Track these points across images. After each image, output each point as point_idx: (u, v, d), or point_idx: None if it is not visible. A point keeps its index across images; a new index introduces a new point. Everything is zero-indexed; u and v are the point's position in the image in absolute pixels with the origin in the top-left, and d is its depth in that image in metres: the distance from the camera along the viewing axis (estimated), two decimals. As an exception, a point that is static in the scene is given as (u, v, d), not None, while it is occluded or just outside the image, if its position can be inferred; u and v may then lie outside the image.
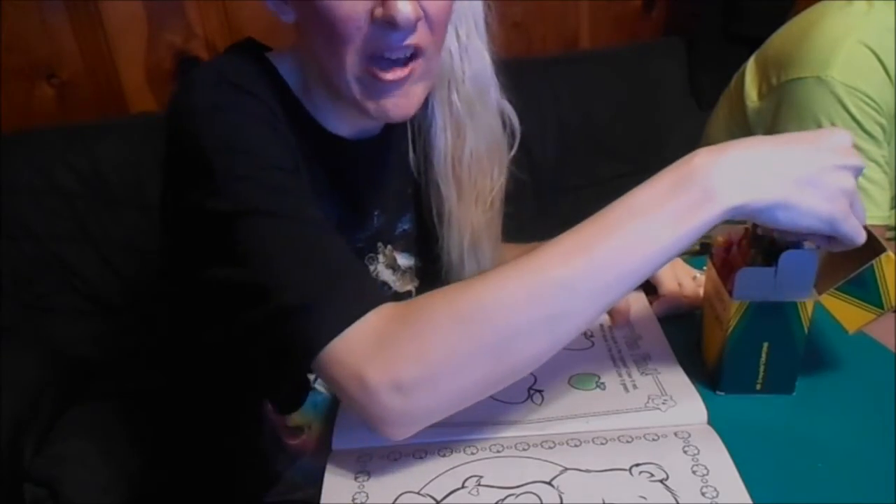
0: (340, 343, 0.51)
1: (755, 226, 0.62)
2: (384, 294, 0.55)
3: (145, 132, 1.29)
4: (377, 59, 0.62)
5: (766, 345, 0.60)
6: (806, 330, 0.58)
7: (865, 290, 0.57)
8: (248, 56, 0.68)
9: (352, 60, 0.62)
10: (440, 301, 0.52)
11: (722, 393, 0.62)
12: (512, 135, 0.79)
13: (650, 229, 0.50)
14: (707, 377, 0.63)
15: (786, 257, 0.57)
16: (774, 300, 0.58)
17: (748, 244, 0.63)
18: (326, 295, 0.53)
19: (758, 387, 0.61)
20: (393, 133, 0.78)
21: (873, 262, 0.55)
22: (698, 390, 0.61)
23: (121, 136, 1.29)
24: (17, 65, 1.32)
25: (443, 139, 0.76)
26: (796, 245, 0.57)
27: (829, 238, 0.53)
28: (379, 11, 0.59)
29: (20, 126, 1.31)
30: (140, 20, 1.37)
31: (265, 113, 0.63)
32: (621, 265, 0.50)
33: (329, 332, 0.52)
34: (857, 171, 0.52)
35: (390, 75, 0.62)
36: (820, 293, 0.58)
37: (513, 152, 0.81)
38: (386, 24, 0.59)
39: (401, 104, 0.65)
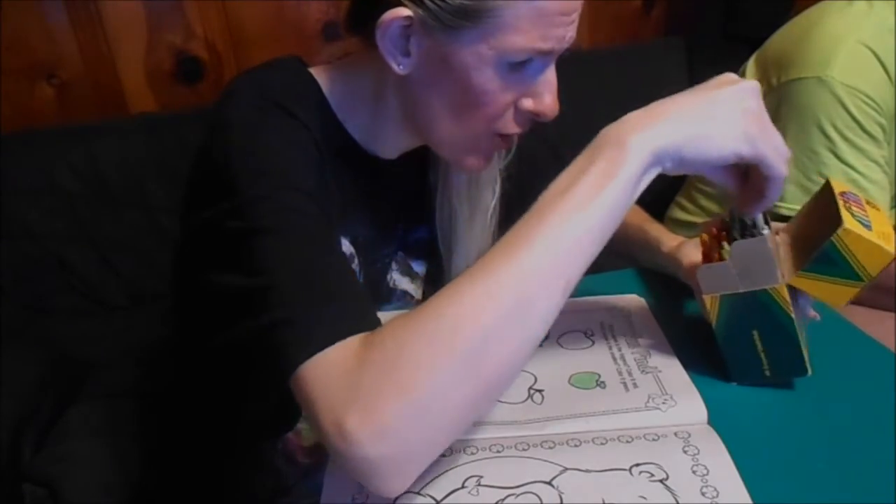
0: (315, 364, 0.49)
1: (730, 215, 0.62)
2: (375, 321, 0.53)
3: (145, 132, 1.28)
4: (505, 134, 0.67)
5: (755, 333, 0.60)
6: (790, 314, 0.58)
7: (836, 267, 0.56)
8: (293, 72, 0.68)
9: (480, 130, 0.65)
10: (403, 325, 0.49)
11: (734, 383, 0.62)
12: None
13: (577, 200, 0.51)
14: (719, 369, 0.63)
15: (736, 248, 0.57)
16: (744, 290, 0.58)
17: (717, 235, 0.63)
18: (314, 313, 0.51)
19: (767, 373, 0.61)
20: (425, 152, 0.77)
21: (832, 237, 0.55)
22: (711, 382, 0.61)
23: (121, 136, 1.29)
24: (17, 65, 1.32)
25: None
26: (752, 233, 0.58)
27: (754, 175, 0.54)
28: (529, 104, 0.64)
29: (20, 126, 1.30)
30: (140, 20, 1.37)
31: (301, 136, 0.62)
32: (562, 238, 0.50)
33: (307, 349, 0.49)
34: (755, 92, 0.54)
35: (507, 142, 0.68)
36: (789, 277, 0.58)
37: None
38: (534, 115, 0.64)
39: (483, 164, 0.70)
